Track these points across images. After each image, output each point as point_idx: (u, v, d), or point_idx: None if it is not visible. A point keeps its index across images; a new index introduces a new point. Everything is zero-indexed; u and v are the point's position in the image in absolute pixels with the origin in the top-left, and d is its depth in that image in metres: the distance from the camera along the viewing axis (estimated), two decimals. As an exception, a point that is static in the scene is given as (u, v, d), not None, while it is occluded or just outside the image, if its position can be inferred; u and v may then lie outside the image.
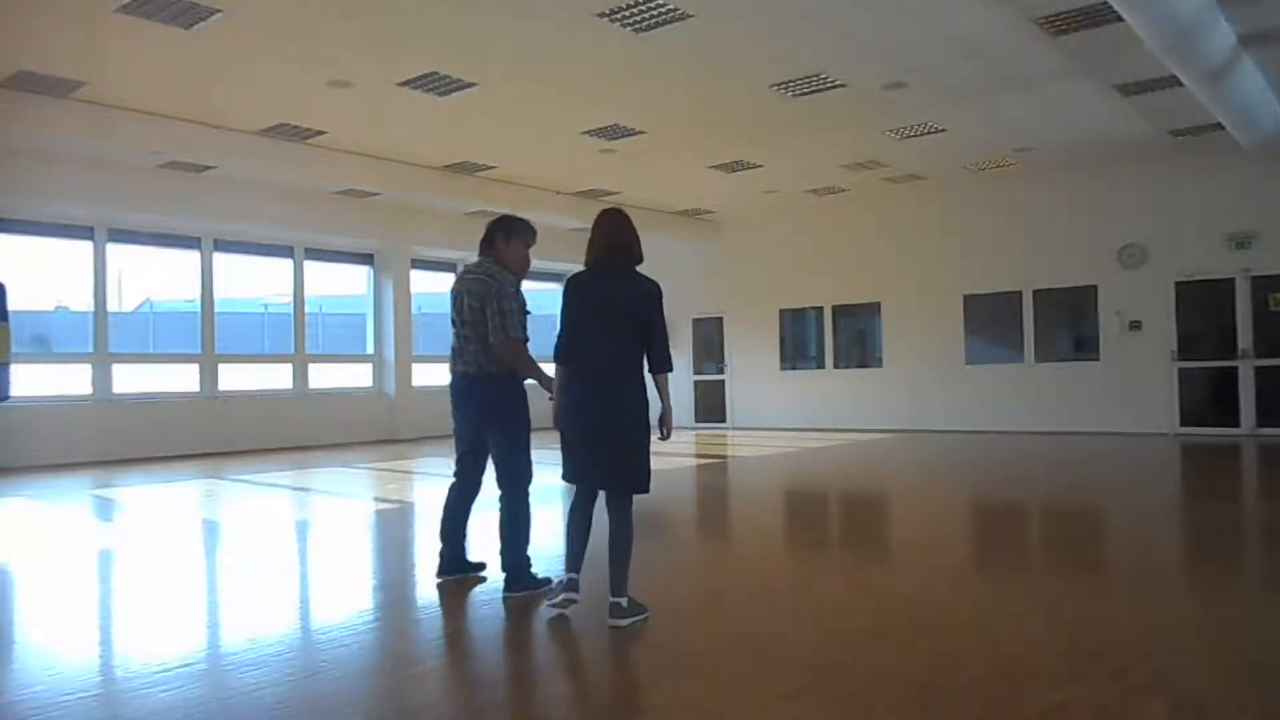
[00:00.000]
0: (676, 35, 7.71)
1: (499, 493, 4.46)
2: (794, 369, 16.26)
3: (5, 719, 2.90)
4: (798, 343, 16.42)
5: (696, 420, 17.21)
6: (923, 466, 10.23)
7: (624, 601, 3.80)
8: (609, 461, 3.87)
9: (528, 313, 4.52)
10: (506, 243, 4.51)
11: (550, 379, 4.23)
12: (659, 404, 4.01)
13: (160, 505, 8.22)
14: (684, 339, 17.43)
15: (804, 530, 6.88)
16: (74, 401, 12.09)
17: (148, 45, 7.70)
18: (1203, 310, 12.45)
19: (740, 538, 6.44)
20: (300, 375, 14.29)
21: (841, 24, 7.64)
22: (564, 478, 4.02)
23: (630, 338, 3.87)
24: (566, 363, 3.95)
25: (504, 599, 4.29)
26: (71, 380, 12.17)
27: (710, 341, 17.21)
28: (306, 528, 6.95)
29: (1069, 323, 13.70)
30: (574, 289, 3.98)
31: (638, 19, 7.39)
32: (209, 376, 13.37)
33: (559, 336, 4.01)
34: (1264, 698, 2.90)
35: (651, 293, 3.93)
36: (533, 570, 4.43)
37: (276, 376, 14.27)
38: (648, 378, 3.96)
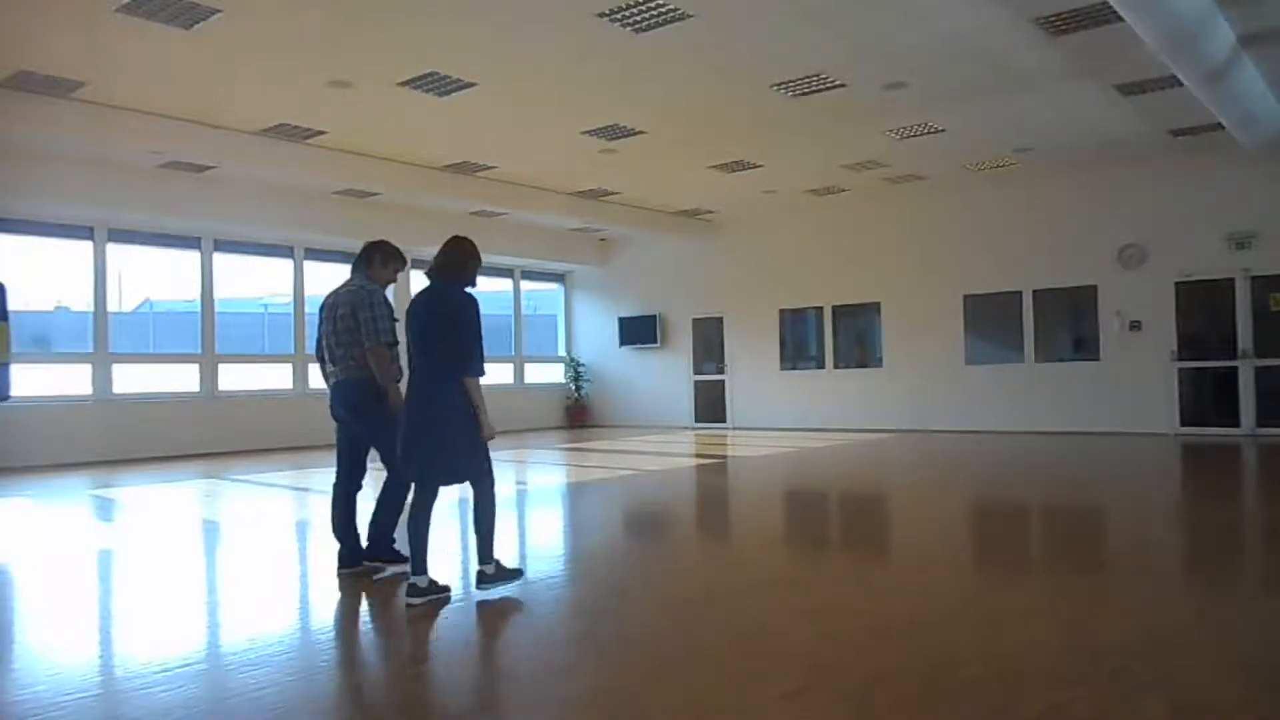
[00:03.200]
0: (676, 35, 7.71)
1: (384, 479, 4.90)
2: (794, 369, 16.26)
3: (5, 719, 2.90)
4: (798, 343, 16.42)
5: (696, 420, 17.20)
6: (923, 466, 10.23)
7: (421, 581, 4.20)
8: (435, 456, 4.26)
9: (395, 320, 4.86)
10: (384, 266, 4.98)
11: (397, 393, 4.63)
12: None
13: (160, 505, 8.22)
14: (684, 339, 17.43)
15: (804, 530, 6.88)
16: (74, 401, 12.09)
17: (148, 45, 7.69)
18: (1203, 310, 12.45)
19: (740, 537, 6.44)
20: (300, 375, 14.29)
21: (841, 24, 7.64)
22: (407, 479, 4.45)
23: (441, 345, 4.23)
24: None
25: (366, 564, 4.84)
26: (71, 380, 12.18)
27: (710, 341, 17.21)
28: (306, 527, 6.95)
29: (1069, 323, 13.69)
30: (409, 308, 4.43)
31: (638, 19, 7.39)
32: (209, 376, 13.37)
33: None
34: (1264, 698, 2.90)
35: (461, 303, 4.28)
36: (395, 547, 4.89)
37: (276, 376, 14.28)
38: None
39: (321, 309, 4.96)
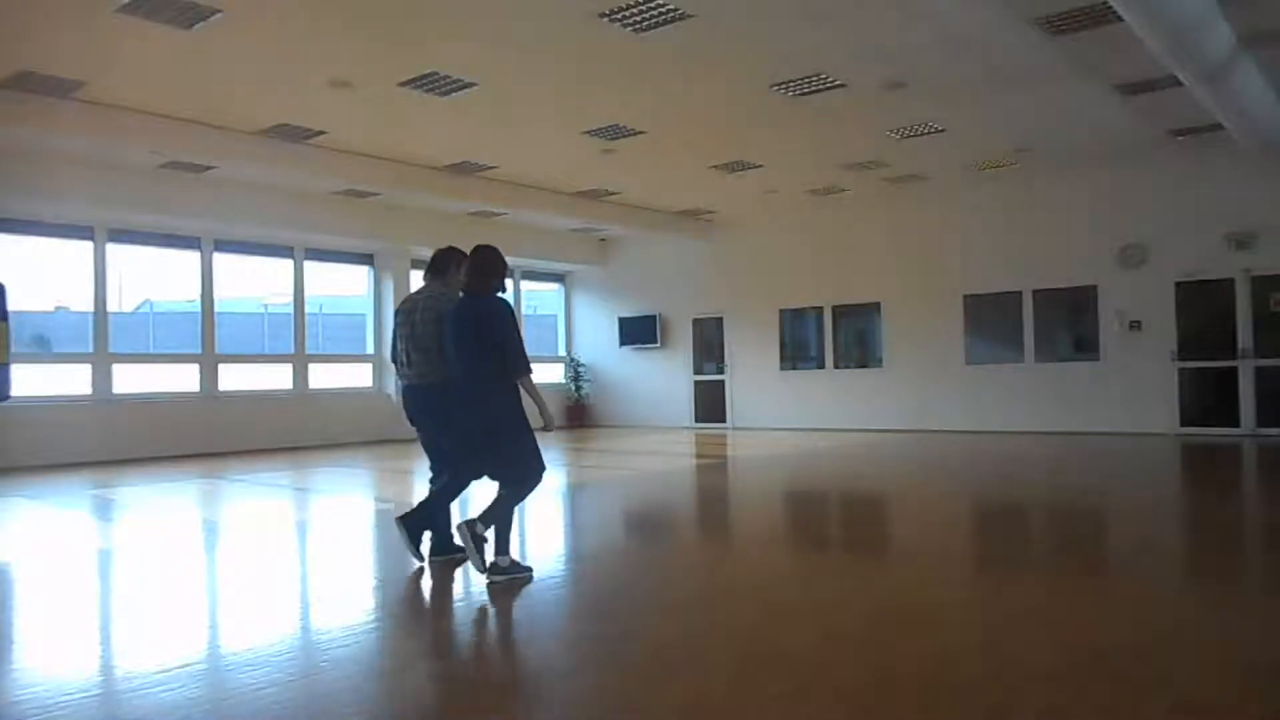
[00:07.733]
0: (676, 35, 7.71)
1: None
2: (794, 369, 16.26)
3: (5, 719, 2.90)
4: (798, 343, 16.42)
5: (696, 420, 17.20)
6: (923, 467, 10.23)
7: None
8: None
9: None
10: (458, 271, 5.06)
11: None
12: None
13: (160, 506, 8.22)
14: (684, 339, 17.43)
15: (804, 530, 6.88)
16: (74, 401, 12.09)
17: (148, 45, 7.70)
18: (1203, 310, 12.45)
19: (740, 537, 6.44)
20: (300, 375, 14.29)
21: (841, 24, 7.64)
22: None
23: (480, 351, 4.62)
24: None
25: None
26: (71, 380, 12.17)
27: (710, 341, 17.21)
28: (306, 528, 6.95)
29: (1069, 323, 13.69)
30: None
31: (638, 19, 7.39)
32: (209, 376, 13.37)
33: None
34: (1264, 698, 2.90)
35: (497, 309, 4.66)
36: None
37: (276, 376, 14.27)
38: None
39: (398, 313, 5.13)
